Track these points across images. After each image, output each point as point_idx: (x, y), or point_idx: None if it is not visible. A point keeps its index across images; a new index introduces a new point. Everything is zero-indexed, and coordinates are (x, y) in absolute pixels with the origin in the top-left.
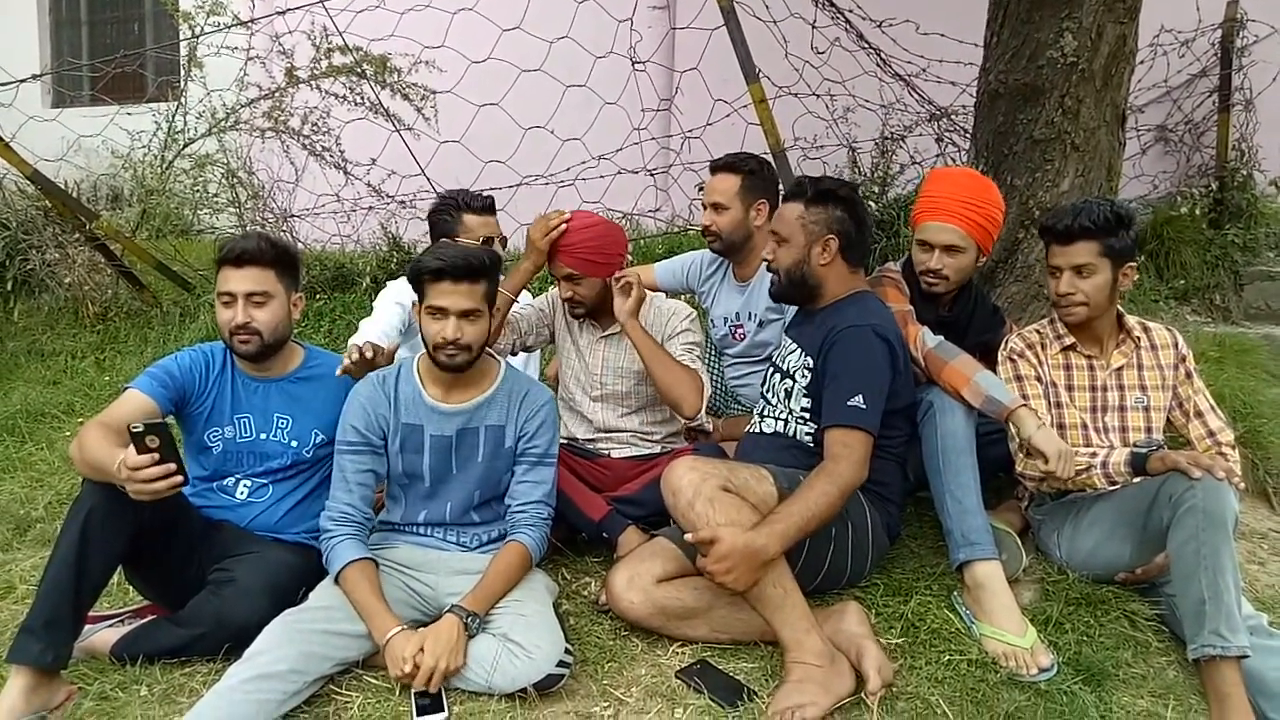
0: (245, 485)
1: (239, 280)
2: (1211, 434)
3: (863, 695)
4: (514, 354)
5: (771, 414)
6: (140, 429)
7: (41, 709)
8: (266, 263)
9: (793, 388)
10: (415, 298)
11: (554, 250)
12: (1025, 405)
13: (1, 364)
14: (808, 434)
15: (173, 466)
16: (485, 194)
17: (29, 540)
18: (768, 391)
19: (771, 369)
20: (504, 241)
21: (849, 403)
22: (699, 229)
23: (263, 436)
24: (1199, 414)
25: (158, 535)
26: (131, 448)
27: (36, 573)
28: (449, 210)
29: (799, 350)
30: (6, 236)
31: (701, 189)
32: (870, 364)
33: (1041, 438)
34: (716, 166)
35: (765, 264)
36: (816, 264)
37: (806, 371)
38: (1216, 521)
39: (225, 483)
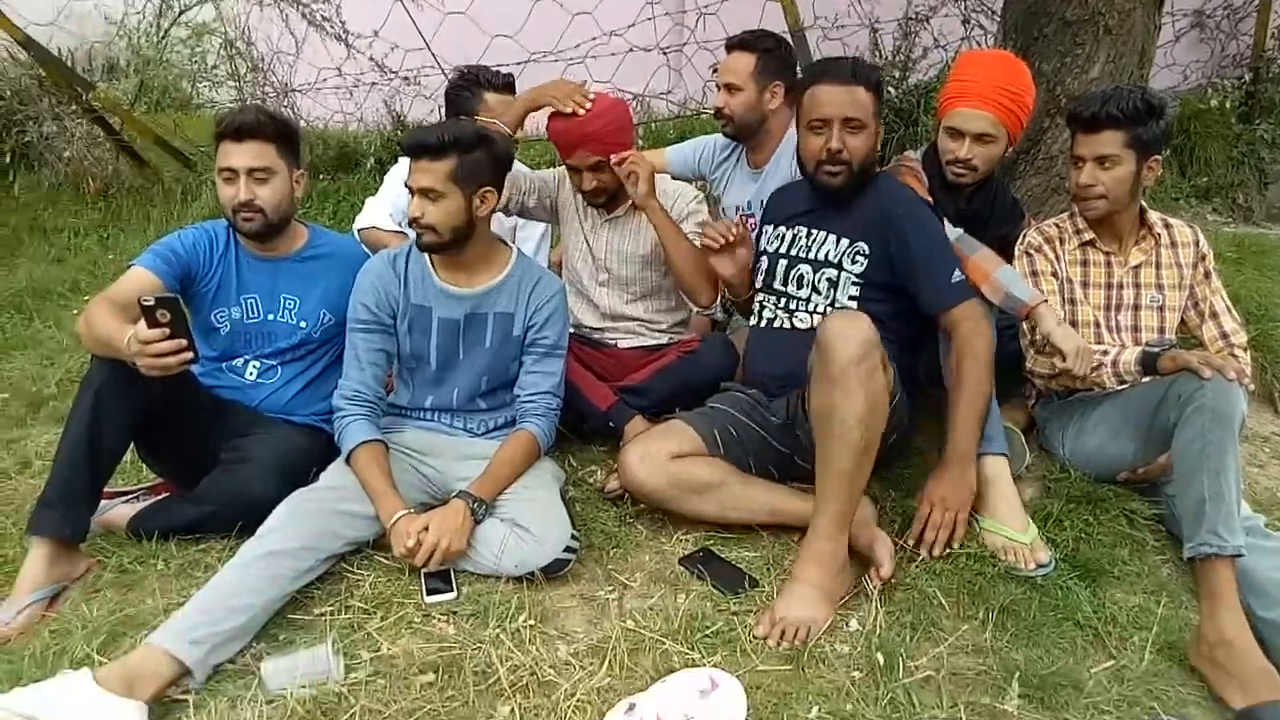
0: (254, 366)
1: (240, 155)
2: (1225, 335)
3: (868, 579)
4: (508, 213)
5: (803, 308)
6: (151, 302)
7: (63, 580)
8: (267, 136)
9: (838, 277)
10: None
11: (573, 141)
12: (1045, 302)
13: (4, 240)
14: None
15: (184, 342)
16: (506, 71)
17: (42, 417)
18: (790, 284)
19: (791, 261)
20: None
21: (953, 280)
22: (712, 112)
23: (270, 317)
24: (1214, 315)
25: (169, 412)
26: (142, 321)
27: (51, 448)
28: (469, 86)
29: (837, 236)
30: (2, 106)
31: (716, 69)
32: (945, 240)
33: (1061, 334)
34: (731, 44)
35: (831, 159)
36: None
37: (859, 258)
38: (1223, 421)
39: (234, 363)
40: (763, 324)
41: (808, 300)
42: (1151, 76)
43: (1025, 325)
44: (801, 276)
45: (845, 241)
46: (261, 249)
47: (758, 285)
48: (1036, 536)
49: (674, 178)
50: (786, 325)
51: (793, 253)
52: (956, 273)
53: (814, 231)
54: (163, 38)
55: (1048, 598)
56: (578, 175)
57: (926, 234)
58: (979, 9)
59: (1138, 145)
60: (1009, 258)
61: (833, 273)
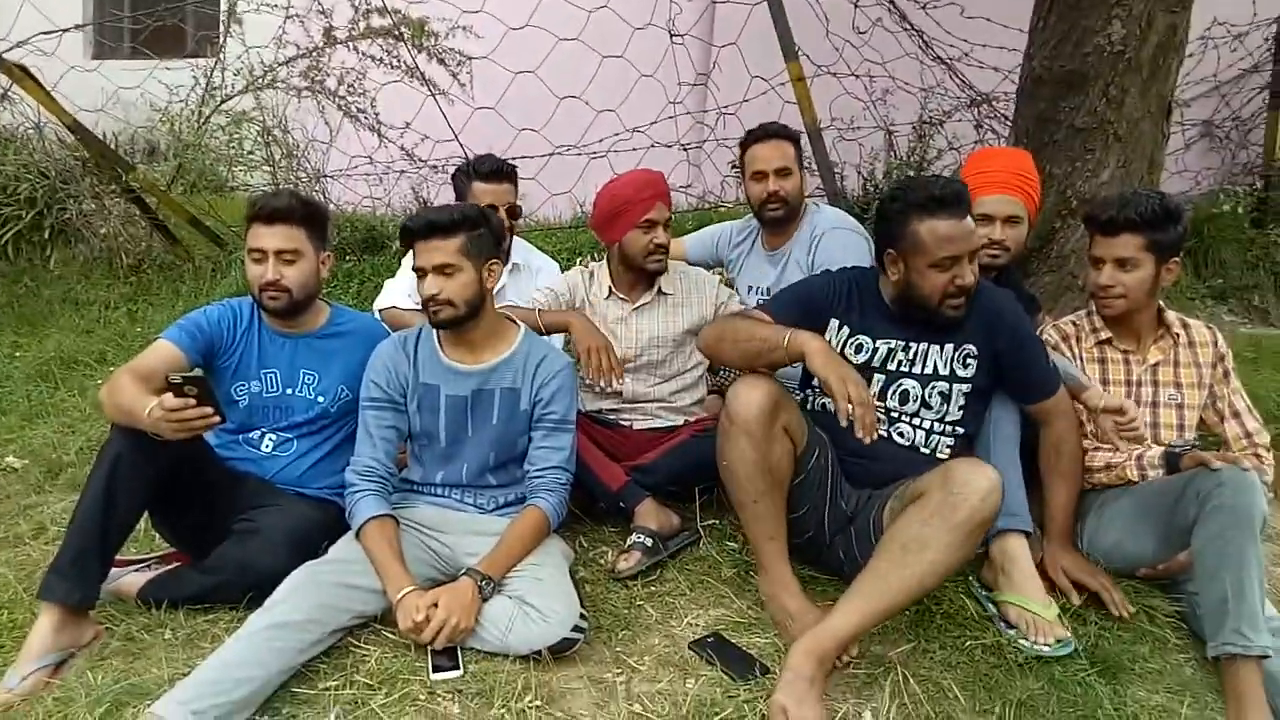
0: (270, 439)
1: (269, 237)
2: (1248, 434)
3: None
4: None
5: (906, 422)
6: (178, 380)
7: (69, 646)
8: (296, 220)
9: (949, 389)
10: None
11: (650, 196)
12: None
13: (37, 311)
14: (949, 446)
15: (208, 410)
16: (502, 161)
17: (60, 484)
18: (892, 399)
19: (891, 376)
20: (516, 211)
21: (1051, 366)
22: (731, 204)
23: (289, 391)
24: (1235, 414)
25: (183, 482)
26: (168, 394)
27: (67, 515)
28: (462, 174)
29: (939, 345)
30: (45, 185)
31: (735, 165)
32: (1034, 332)
33: (1111, 397)
34: (772, 133)
35: (961, 293)
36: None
37: (970, 361)
38: (1243, 519)
39: (251, 435)
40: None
41: (915, 415)
42: (1163, 181)
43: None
44: (906, 392)
45: (948, 348)
46: (284, 325)
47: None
48: (1058, 615)
49: (692, 263)
50: (882, 434)
51: (891, 368)
52: (1049, 362)
53: (911, 344)
54: (203, 124)
55: (1066, 694)
56: (652, 230)
57: (1027, 328)
58: (991, 115)
59: (1155, 249)
60: None
61: (943, 385)
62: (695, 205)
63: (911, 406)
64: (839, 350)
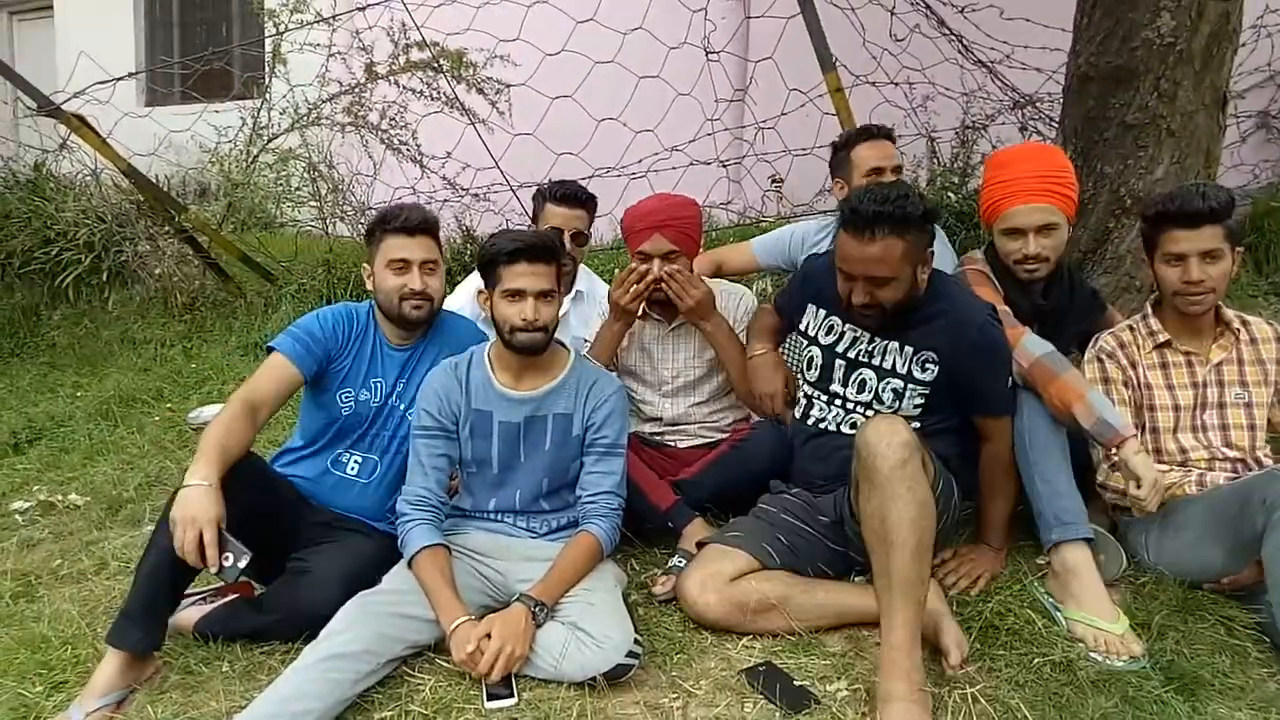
0: (356, 460)
1: (415, 248)
2: None
3: (945, 667)
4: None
5: (861, 413)
6: (229, 562)
7: (132, 683)
8: (435, 232)
9: (904, 388)
10: (482, 285)
11: (655, 224)
12: (1135, 435)
13: (96, 351)
14: None
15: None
16: (581, 188)
17: (120, 520)
18: (850, 387)
19: (851, 364)
20: (582, 238)
21: (1009, 387)
22: (772, 219)
23: (392, 401)
24: None
25: (252, 524)
26: (208, 545)
27: (127, 551)
28: (539, 195)
29: (900, 345)
30: (103, 229)
31: (775, 179)
32: (1006, 354)
33: (1140, 463)
34: (878, 133)
35: (861, 308)
36: (921, 282)
37: (929, 366)
38: None
39: (339, 456)
40: (810, 422)
41: (869, 406)
42: (1219, 175)
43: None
44: (864, 382)
45: (910, 351)
46: (400, 337)
47: (809, 379)
48: (1128, 628)
49: (762, 267)
50: (833, 429)
51: (852, 355)
52: (1011, 381)
53: (878, 339)
54: (251, 163)
55: (1141, 712)
56: (647, 263)
57: (997, 349)
58: (1036, 116)
59: (1232, 238)
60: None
61: (897, 383)
62: (736, 221)
63: (865, 397)
64: (814, 331)
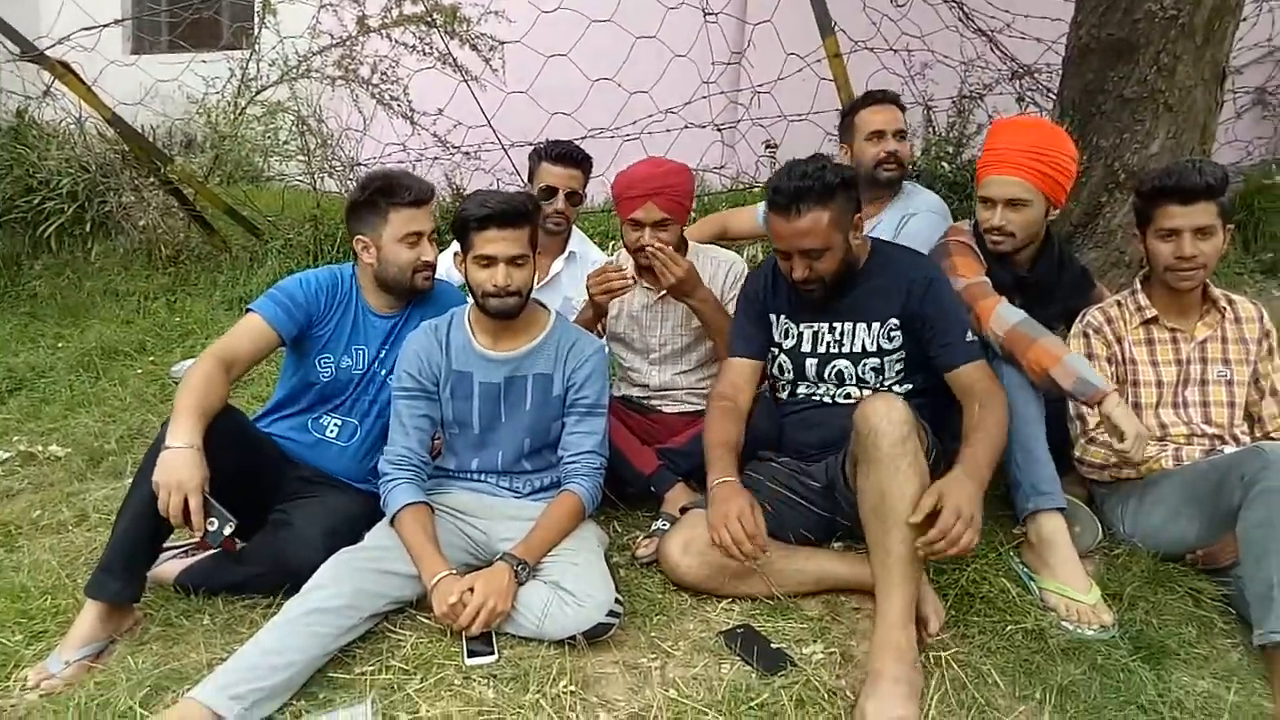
0: (336, 423)
1: (425, 220)
2: None
3: (923, 635)
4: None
5: (849, 395)
6: (214, 526)
7: (111, 634)
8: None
9: (882, 363)
10: (458, 248)
11: (647, 192)
12: (1116, 390)
13: (79, 303)
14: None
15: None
16: (577, 148)
17: (101, 472)
18: (829, 381)
19: (822, 360)
20: (576, 198)
21: (968, 340)
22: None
23: (374, 368)
24: (1275, 392)
25: (235, 480)
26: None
27: (109, 503)
28: (535, 155)
29: (864, 324)
30: (86, 179)
31: (769, 145)
32: (959, 304)
33: (1122, 415)
34: (884, 97)
35: (802, 283)
36: (855, 246)
37: (893, 334)
38: None
39: (320, 419)
40: (799, 398)
41: (856, 388)
42: (1214, 151)
43: (1085, 411)
44: (841, 372)
45: (871, 326)
46: (387, 305)
47: (783, 380)
48: (1100, 598)
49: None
50: (828, 401)
51: (821, 350)
52: (970, 334)
53: (836, 325)
54: (239, 115)
55: (1109, 679)
56: (638, 230)
57: (943, 300)
58: (1034, 88)
59: (1224, 215)
60: None
61: (875, 361)
62: (729, 186)
63: (850, 385)
64: (778, 337)
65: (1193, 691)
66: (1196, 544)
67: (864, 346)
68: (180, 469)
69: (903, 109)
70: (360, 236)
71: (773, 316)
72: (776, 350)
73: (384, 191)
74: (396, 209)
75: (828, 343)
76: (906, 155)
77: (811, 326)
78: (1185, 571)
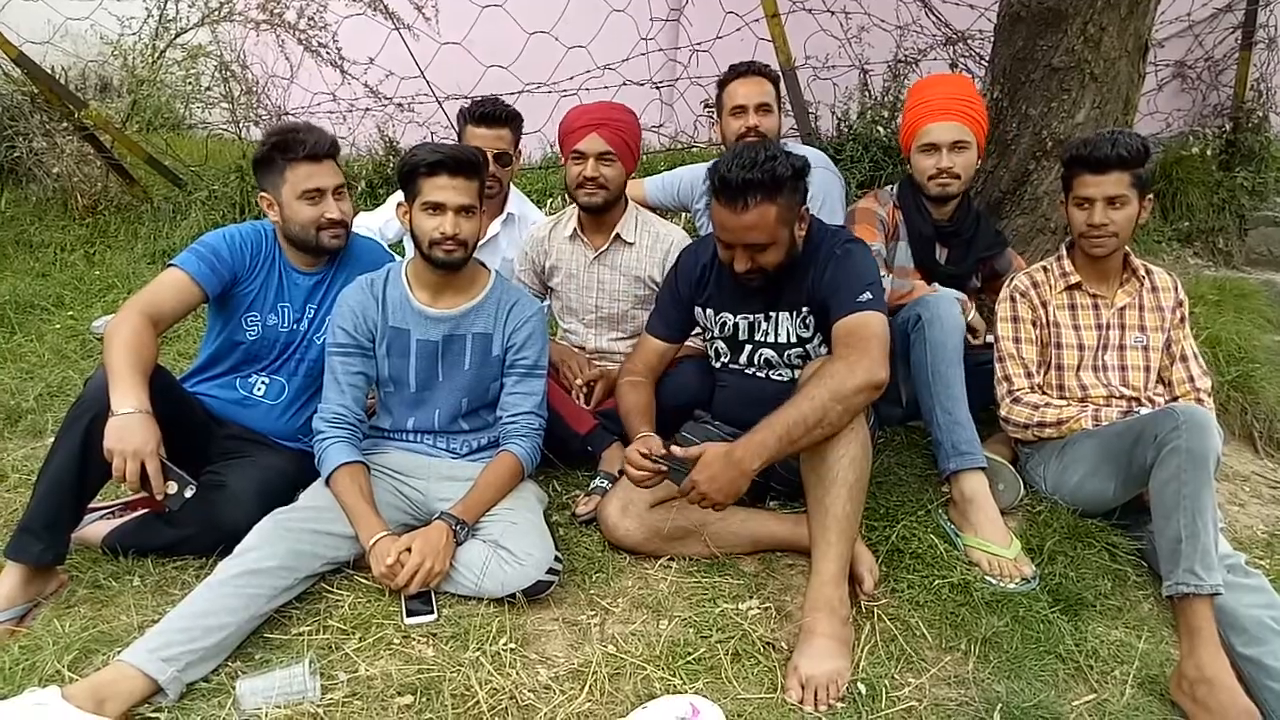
0: (263, 382)
1: (325, 175)
2: (1191, 379)
3: (859, 594)
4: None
5: (779, 375)
6: (173, 490)
7: (35, 597)
8: (338, 155)
9: (805, 350)
10: (403, 198)
11: (592, 122)
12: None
13: None
14: None
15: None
16: (501, 106)
17: (20, 430)
18: (758, 366)
19: (756, 345)
20: (504, 159)
21: (858, 299)
22: (704, 145)
23: (298, 327)
24: (1184, 359)
25: (167, 438)
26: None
27: (28, 463)
28: (460, 116)
29: (787, 313)
30: None
31: (709, 104)
32: (867, 267)
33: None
34: (750, 70)
35: (744, 274)
36: (800, 239)
37: (809, 320)
38: (1199, 462)
39: (246, 379)
40: (734, 370)
41: (787, 369)
42: (1135, 123)
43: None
44: (769, 360)
45: (796, 313)
46: (306, 263)
47: (717, 360)
48: (1021, 553)
49: (652, 207)
50: (761, 377)
51: (756, 338)
52: (865, 294)
53: (772, 314)
54: (157, 59)
55: (1030, 630)
56: (581, 163)
57: (841, 266)
58: (967, 54)
59: (1139, 185)
60: (998, 287)
61: (799, 349)
62: (668, 145)
63: (780, 370)
64: (713, 327)
65: (1107, 640)
66: (1115, 502)
67: (789, 336)
68: (134, 435)
69: (774, 80)
70: (264, 194)
71: (709, 310)
72: (712, 337)
73: (280, 147)
74: (293, 165)
75: (763, 329)
76: (771, 128)
77: (747, 317)
78: (1102, 527)
